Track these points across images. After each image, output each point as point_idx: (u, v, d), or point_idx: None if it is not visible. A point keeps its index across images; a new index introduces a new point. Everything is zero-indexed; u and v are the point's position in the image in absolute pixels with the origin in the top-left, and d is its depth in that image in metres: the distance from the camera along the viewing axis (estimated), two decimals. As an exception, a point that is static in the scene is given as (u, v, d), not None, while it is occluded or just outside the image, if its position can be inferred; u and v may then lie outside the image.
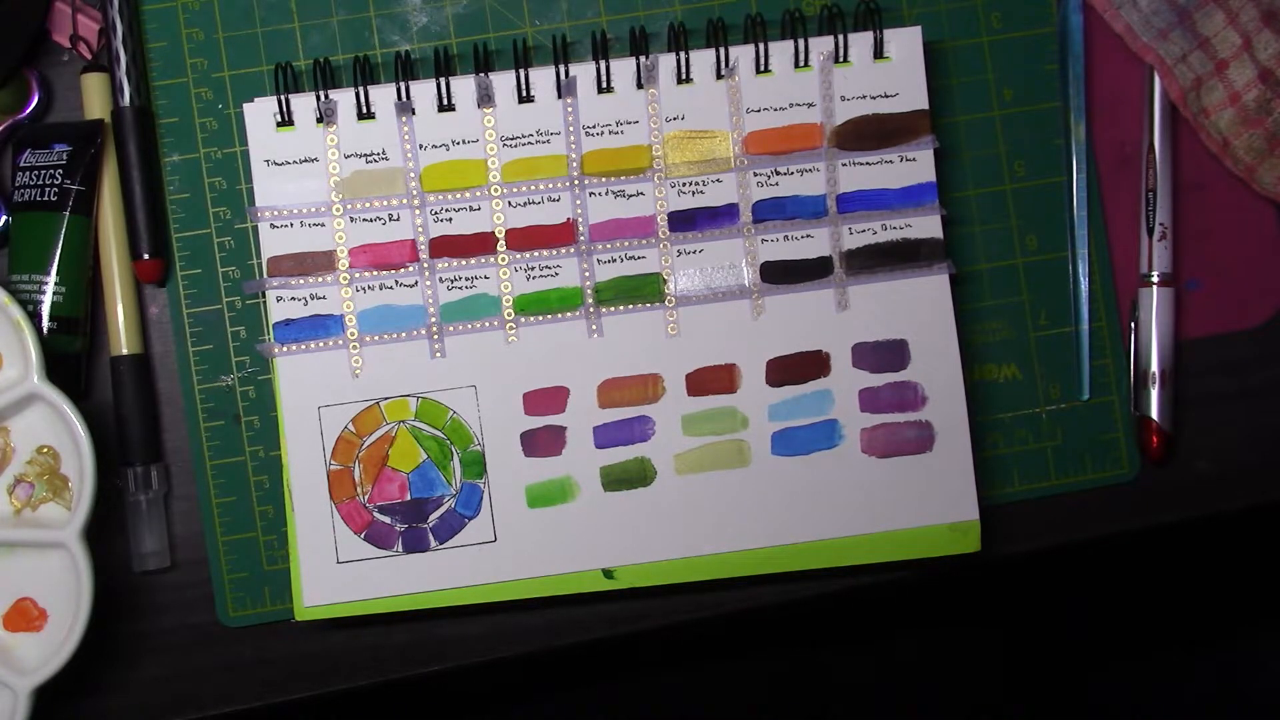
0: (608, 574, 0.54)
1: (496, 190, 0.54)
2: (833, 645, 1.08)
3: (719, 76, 0.54)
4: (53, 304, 0.54)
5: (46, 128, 0.56)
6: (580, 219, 0.54)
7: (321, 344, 0.54)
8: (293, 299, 0.54)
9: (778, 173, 0.55)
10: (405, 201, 0.54)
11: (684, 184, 0.54)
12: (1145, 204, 0.58)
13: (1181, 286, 0.59)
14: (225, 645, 0.57)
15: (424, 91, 0.54)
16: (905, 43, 0.55)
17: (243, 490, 0.56)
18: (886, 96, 0.55)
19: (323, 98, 0.53)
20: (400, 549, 0.54)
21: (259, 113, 0.53)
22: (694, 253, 0.54)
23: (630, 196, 0.54)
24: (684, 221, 0.54)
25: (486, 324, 0.54)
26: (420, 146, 0.54)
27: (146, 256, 0.55)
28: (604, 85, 0.54)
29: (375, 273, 0.54)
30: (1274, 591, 1.08)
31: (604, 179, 0.54)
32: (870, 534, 0.54)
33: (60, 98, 0.57)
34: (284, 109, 0.53)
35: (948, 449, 0.55)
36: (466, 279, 0.54)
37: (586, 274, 0.54)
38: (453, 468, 0.54)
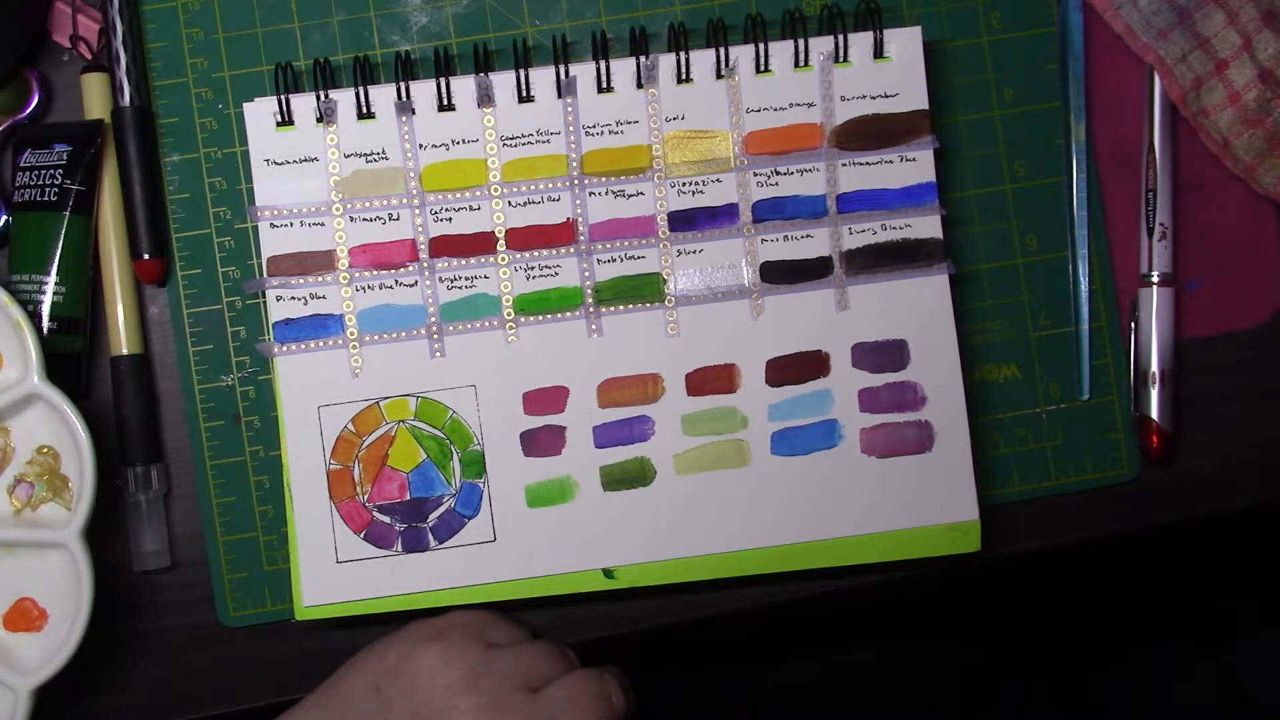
0: (608, 574, 0.54)
1: (496, 190, 0.54)
2: (832, 645, 1.08)
3: (719, 76, 0.54)
4: (53, 304, 0.54)
5: (46, 128, 0.56)
6: (580, 219, 0.54)
7: (321, 344, 0.54)
8: (293, 299, 0.54)
9: (778, 173, 0.55)
10: (405, 201, 0.54)
11: (684, 184, 0.54)
12: (1145, 204, 0.58)
13: (1181, 286, 0.59)
14: (225, 645, 0.57)
15: (424, 91, 0.54)
16: (905, 43, 0.55)
17: (243, 490, 0.56)
18: (886, 96, 0.55)
19: (323, 97, 0.53)
20: (400, 549, 0.54)
21: (259, 112, 0.53)
22: (694, 253, 0.54)
23: (630, 196, 0.54)
24: (684, 221, 0.54)
25: (486, 324, 0.54)
26: (420, 146, 0.54)
27: (146, 256, 0.55)
28: (604, 85, 0.54)
29: (375, 272, 0.54)
30: (1274, 591, 1.08)
31: (604, 179, 0.54)
32: (870, 534, 0.54)
33: (60, 98, 0.57)
34: (284, 109, 0.53)
35: (947, 449, 0.55)
36: (466, 279, 0.54)
37: (586, 274, 0.54)
38: (452, 467, 0.54)
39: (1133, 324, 0.58)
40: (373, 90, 0.54)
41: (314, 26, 0.57)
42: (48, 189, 0.54)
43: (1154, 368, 0.57)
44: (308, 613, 0.54)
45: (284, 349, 0.54)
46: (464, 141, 0.54)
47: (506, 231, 0.54)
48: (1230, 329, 0.60)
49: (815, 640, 1.07)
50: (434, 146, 0.54)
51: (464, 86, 0.54)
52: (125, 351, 0.56)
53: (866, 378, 0.55)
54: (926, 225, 0.55)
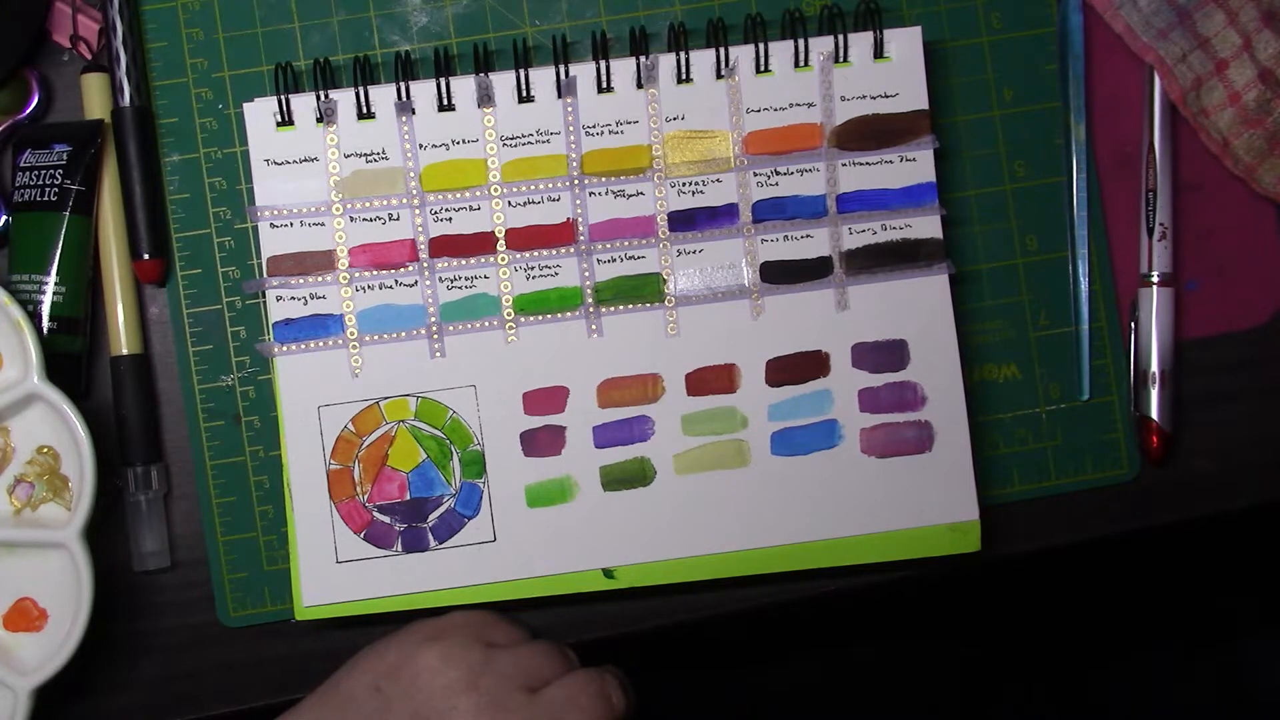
0: (608, 574, 0.54)
1: (496, 190, 0.54)
2: (832, 645, 1.08)
3: (719, 76, 0.54)
4: (53, 304, 0.54)
5: (46, 128, 0.56)
6: (580, 219, 0.54)
7: (321, 344, 0.54)
8: (293, 299, 0.54)
9: (778, 173, 0.55)
10: (405, 201, 0.54)
11: (684, 184, 0.54)
12: (1145, 204, 0.58)
13: (1181, 286, 0.59)
14: (225, 645, 0.57)
15: (424, 91, 0.54)
16: (905, 43, 0.55)
17: (243, 490, 0.56)
18: (886, 96, 0.55)
19: (323, 97, 0.53)
20: (400, 549, 0.54)
21: (259, 112, 0.53)
22: (694, 253, 0.54)
23: (630, 196, 0.54)
24: (684, 221, 0.54)
25: (486, 324, 0.54)
26: (420, 146, 0.54)
27: (146, 256, 0.55)
28: (604, 85, 0.54)
29: (375, 272, 0.54)
30: (1274, 591, 1.08)
31: (604, 179, 0.54)
32: (870, 534, 0.54)
33: (60, 98, 0.57)
34: (284, 109, 0.53)
35: (947, 449, 0.55)
36: (466, 279, 0.54)
37: (586, 274, 0.54)
38: (452, 467, 0.54)
39: (1133, 324, 0.58)
40: (373, 90, 0.54)
41: (314, 26, 0.57)
42: (48, 189, 0.54)
43: (1154, 368, 0.57)
44: (308, 613, 0.54)
45: (284, 349, 0.54)
46: (464, 141, 0.54)
47: (506, 231, 0.54)
48: (1230, 329, 0.60)
49: (815, 640, 1.07)
50: (434, 146, 0.54)
51: (464, 86, 0.54)
52: (125, 351, 0.56)
53: (866, 378, 0.55)
54: (926, 225, 0.55)
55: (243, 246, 0.57)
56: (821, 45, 0.54)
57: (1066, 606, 1.09)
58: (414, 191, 0.54)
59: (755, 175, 0.55)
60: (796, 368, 0.55)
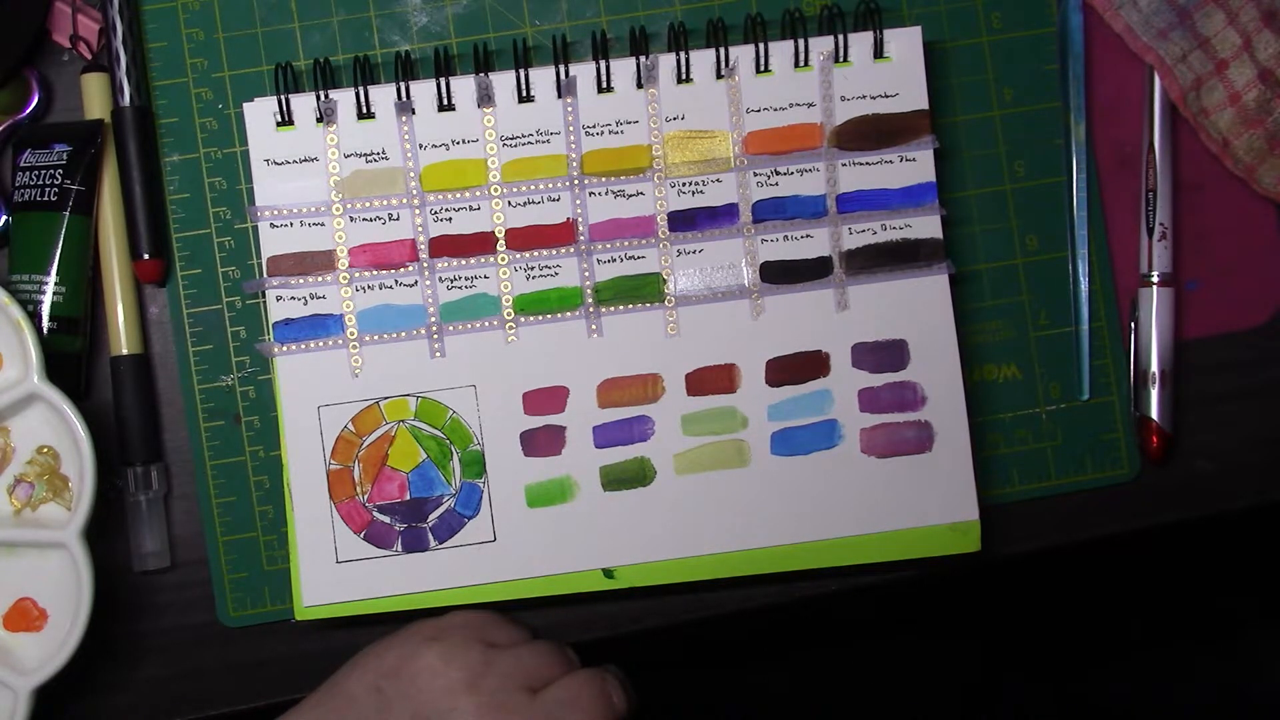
0: (608, 574, 0.54)
1: (496, 190, 0.54)
2: (833, 645, 1.08)
3: (719, 76, 0.54)
4: (53, 304, 0.54)
5: (46, 128, 0.56)
6: (580, 219, 0.54)
7: (321, 344, 0.54)
8: (292, 299, 0.54)
9: (778, 173, 0.55)
10: (405, 201, 0.54)
11: (684, 184, 0.54)
12: (1145, 204, 0.58)
13: (1181, 286, 0.59)
14: (225, 645, 0.57)
15: (424, 91, 0.54)
16: (905, 43, 0.55)
17: (243, 490, 0.56)
18: (886, 96, 0.55)
19: (323, 97, 0.53)
20: (400, 549, 0.54)
21: (259, 112, 0.53)
22: (694, 253, 0.54)
23: (630, 196, 0.54)
24: (684, 221, 0.54)
25: (486, 324, 0.54)
26: (420, 146, 0.54)
27: (146, 256, 0.55)
28: (604, 85, 0.54)
29: (375, 272, 0.54)
30: (1274, 591, 1.08)
31: (604, 179, 0.54)
32: (870, 534, 0.54)
33: (60, 98, 0.57)
34: (284, 109, 0.53)
35: (947, 449, 0.55)
36: (466, 279, 0.54)
37: (586, 274, 0.54)
38: (452, 467, 0.54)
39: (1133, 324, 0.58)
40: (373, 90, 0.54)
41: (314, 26, 0.57)
42: (48, 189, 0.54)
43: (1154, 368, 0.57)
44: (308, 613, 0.54)
45: (284, 349, 0.54)
46: (464, 141, 0.54)
47: (506, 231, 0.54)
48: (1230, 329, 0.60)
49: (815, 640, 1.07)
50: (434, 146, 0.54)
51: (464, 86, 0.54)
52: (125, 351, 0.56)
53: (866, 378, 0.55)
54: (926, 225, 0.55)
55: (243, 246, 0.57)
56: (821, 45, 0.54)
57: (1066, 606, 1.09)
58: (414, 191, 0.54)
59: (755, 175, 0.55)
60: (796, 368, 0.55)
